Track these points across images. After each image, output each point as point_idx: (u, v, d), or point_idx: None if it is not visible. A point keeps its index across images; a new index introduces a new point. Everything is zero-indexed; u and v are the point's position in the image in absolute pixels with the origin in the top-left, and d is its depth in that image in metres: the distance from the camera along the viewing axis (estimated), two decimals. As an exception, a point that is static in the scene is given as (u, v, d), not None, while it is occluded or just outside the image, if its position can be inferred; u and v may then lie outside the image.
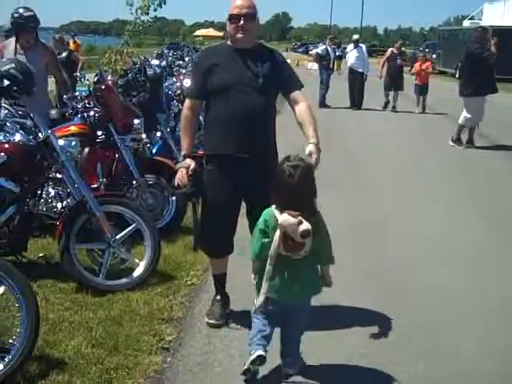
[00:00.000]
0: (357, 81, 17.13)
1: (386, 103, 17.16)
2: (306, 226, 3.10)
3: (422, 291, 4.67)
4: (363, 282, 4.82)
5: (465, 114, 11.18)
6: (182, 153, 3.94)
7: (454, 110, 11.80)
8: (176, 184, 3.86)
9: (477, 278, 4.97)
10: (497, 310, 4.38)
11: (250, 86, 3.78)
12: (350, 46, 18.01)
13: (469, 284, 4.85)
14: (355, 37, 18.85)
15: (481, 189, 8.08)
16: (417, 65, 17.39)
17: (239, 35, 3.81)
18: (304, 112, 3.86)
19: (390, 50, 18.15)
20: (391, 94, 16.99)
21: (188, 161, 3.84)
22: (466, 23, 36.55)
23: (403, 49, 19.61)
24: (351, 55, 17.51)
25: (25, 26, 6.21)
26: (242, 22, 3.77)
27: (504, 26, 29.20)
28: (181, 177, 3.80)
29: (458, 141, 11.30)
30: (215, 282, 4.25)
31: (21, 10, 6.25)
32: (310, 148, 3.66)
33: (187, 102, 4.01)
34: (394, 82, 16.71)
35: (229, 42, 3.95)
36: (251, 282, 3.45)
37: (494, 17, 32.87)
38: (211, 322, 4.05)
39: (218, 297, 4.19)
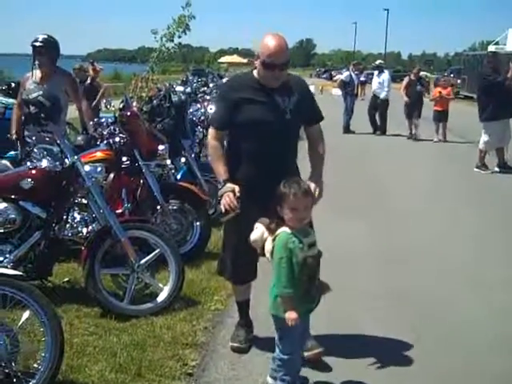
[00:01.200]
0: (379, 106, 17.21)
1: (411, 132, 16.40)
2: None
3: (446, 321, 4.62)
4: (388, 308, 4.77)
5: (483, 138, 11.22)
6: (222, 179, 3.82)
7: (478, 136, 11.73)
8: (224, 210, 3.71)
9: (504, 308, 4.89)
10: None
11: (278, 121, 3.74)
12: (375, 72, 18.04)
13: (494, 313, 4.78)
14: (378, 62, 18.92)
15: (506, 216, 7.98)
16: (436, 90, 16.75)
17: (273, 82, 3.77)
18: (319, 148, 3.95)
19: (406, 77, 17.79)
20: (414, 121, 16.35)
21: (230, 185, 3.74)
22: (491, 48, 36.35)
23: (424, 74, 19.68)
24: (374, 80, 17.62)
25: (40, 48, 6.29)
26: (277, 71, 3.72)
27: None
28: (229, 201, 3.67)
29: (483, 166, 11.24)
30: (239, 308, 4.25)
31: (39, 36, 6.36)
32: (311, 185, 3.67)
33: (213, 132, 3.97)
34: (413, 110, 16.17)
35: (255, 74, 3.87)
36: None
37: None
38: (235, 345, 4.04)
39: (242, 321, 4.19)
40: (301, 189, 3.31)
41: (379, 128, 17.32)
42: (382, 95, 17.07)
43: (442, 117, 15.75)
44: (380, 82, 17.24)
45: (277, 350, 3.46)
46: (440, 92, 16.16)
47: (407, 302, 4.94)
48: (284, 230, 3.31)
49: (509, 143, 11.26)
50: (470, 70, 33.35)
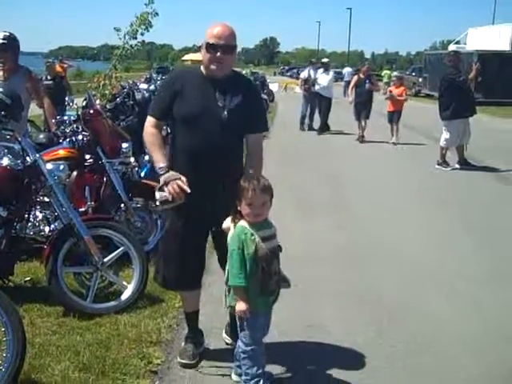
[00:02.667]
0: (322, 105, 17.13)
1: (361, 135, 15.45)
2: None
3: (412, 315, 4.70)
4: (356, 306, 4.83)
5: (444, 135, 11.44)
6: (161, 165, 3.58)
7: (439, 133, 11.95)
8: (171, 198, 3.49)
9: (470, 301, 5.02)
10: (492, 333, 4.41)
11: (214, 119, 3.58)
12: (319, 70, 17.58)
13: (462, 307, 4.90)
14: (324, 60, 18.73)
15: (468, 211, 8.14)
16: (390, 89, 15.86)
17: (213, 67, 3.59)
18: (255, 162, 3.73)
19: (355, 75, 16.94)
20: (361, 122, 15.50)
21: (174, 173, 3.53)
22: (452, 47, 36.88)
23: (387, 72, 19.47)
24: (320, 79, 17.18)
25: (2, 45, 6.19)
26: (218, 53, 3.55)
27: (488, 50, 29.65)
28: (177, 189, 3.46)
29: (444, 163, 11.46)
30: (187, 320, 4.07)
31: None
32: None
33: (151, 120, 3.74)
34: (362, 110, 15.36)
35: (202, 68, 3.71)
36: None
37: (478, 41, 33.33)
38: (184, 361, 3.83)
39: (191, 335, 4.01)
40: (259, 185, 3.32)
41: (321, 127, 17.17)
42: (326, 93, 16.95)
43: (393, 117, 15.01)
44: (325, 81, 16.99)
45: (239, 343, 3.49)
46: (391, 91, 15.45)
47: (372, 299, 4.99)
48: (241, 223, 3.36)
49: (468, 141, 11.46)
50: (431, 68, 33.83)
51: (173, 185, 3.48)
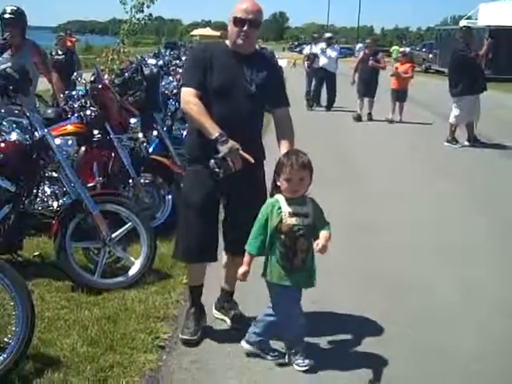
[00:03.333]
0: (329, 80, 16.71)
1: (359, 115, 14.83)
2: None
3: (420, 291, 4.72)
4: (363, 282, 4.84)
5: (454, 112, 11.35)
6: (218, 132, 3.49)
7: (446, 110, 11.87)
8: (234, 169, 3.48)
9: (476, 277, 5.02)
10: (493, 306, 4.43)
11: (243, 92, 3.67)
12: (323, 45, 17.05)
13: (466, 282, 4.90)
14: (327, 35, 18.25)
15: (477, 188, 8.14)
16: (396, 66, 15.06)
17: (240, 41, 3.67)
18: (286, 134, 3.81)
19: (361, 51, 16.28)
20: (365, 100, 14.98)
21: (231, 141, 3.48)
22: (463, 23, 36.46)
23: (395, 48, 18.70)
24: (324, 54, 16.79)
25: (10, 20, 6.19)
26: (246, 27, 3.63)
27: (500, 26, 29.31)
28: (240, 160, 3.47)
29: (453, 140, 11.38)
30: (190, 294, 4.07)
31: (7, 7, 6.24)
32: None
33: (191, 91, 3.66)
34: (366, 88, 14.75)
35: (227, 42, 3.80)
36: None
37: (490, 16, 32.93)
38: (185, 337, 3.82)
39: (193, 310, 3.99)
40: (298, 161, 3.39)
41: (329, 103, 16.92)
42: (330, 68, 16.62)
43: (398, 96, 14.42)
44: (329, 56, 16.64)
45: (265, 312, 3.62)
46: (397, 68, 14.70)
47: (380, 277, 4.98)
48: (276, 197, 3.47)
49: (478, 118, 11.38)
50: (441, 44, 33.55)
51: (236, 156, 3.47)
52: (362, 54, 15.63)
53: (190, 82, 3.75)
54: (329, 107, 16.88)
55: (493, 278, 4.99)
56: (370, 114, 14.85)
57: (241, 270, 3.51)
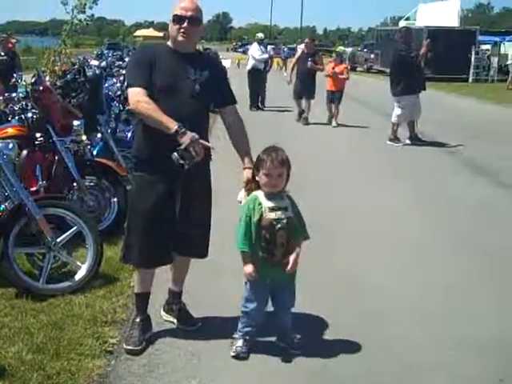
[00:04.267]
0: (261, 80, 16.75)
1: (300, 113, 14.45)
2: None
3: (368, 290, 4.80)
4: (313, 280, 4.89)
5: (396, 111, 11.57)
6: (177, 125, 3.42)
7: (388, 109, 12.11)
8: (199, 159, 3.40)
9: (423, 274, 5.13)
10: (441, 304, 4.54)
11: (187, 92, 3.64)
12: (255, 45, 17.22)
13: (415, 280, 5.01)
14: (259, 35, 18.25)
15: (419, 186, 8.30)
16: (329, 67, 14.16)
17: (180, 38, 3.65)
18: (239, 133, 3.85)
19: (299, 48, 15.63)
20: (303, 102, 14.45)
21: (189, 133, 3.41)
22: (402, 23, 37.26)
23: (341, 48, 18.51)
24: (255, 55, 16.83)
25: None
26: (185, 24, 3.62)
27: (438, 27, 30.04)
28: (202, 148, 3.41)
29: (395, 139, 11.61)
30: (137, 302, 3.98)
31: None
32: (247, 173, 3.70)
33: (139, 90, 3.57)
34: (303, 89, 14.20)
35: (169, 43, 3.78)
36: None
37: (428, 17, 33.71)
38: (129, 348, 3.73)
39: (138, 319, 3.90)
40: (278, 157, 3.52)
41: (261, 101, 17.01)
42: (259, 67, 16.70)
43: (333, 98, 13.87)
44: (261, 56, 16.73)
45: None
46: (333, 68, 13.97)
47: (328, 275, 5.05)
48: (255, 192, 3.58)
49: (419, 117, 11.65)
50: (382, 44, 34.15)
51: (198, 145, 3.40)
52: (299, 52, 14.92)
53: (136, 81, 3.67)
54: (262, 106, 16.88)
55: (441, 276, 5.12)
56: (306, 117, 14.26)
57: (246, 270, 3.57)
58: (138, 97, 3.59)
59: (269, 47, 18.43)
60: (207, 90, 3.70)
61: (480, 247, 5.79)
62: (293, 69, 14.87)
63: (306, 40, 15.33)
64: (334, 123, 13.86)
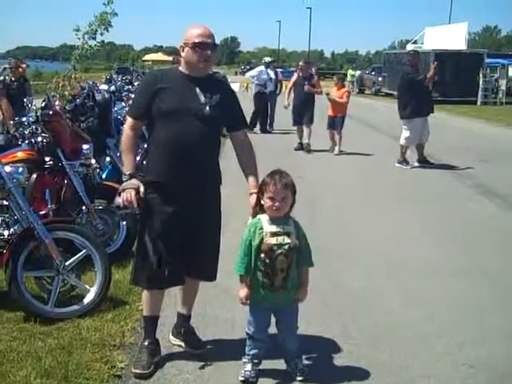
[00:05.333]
0: (269, 102, 16.83)
1: (301, 142, 13.60)
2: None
3: (378, 313, 4.77)
4: (319, 303, 4.86)
5: (404, 134, 11.56)
6: (127, 172, 3.74)
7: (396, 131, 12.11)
8: (122, 205, 3.68)
9: (433, 298, 5.11)
10: (447, 324, 4.51)
11: (196, 114, 3.67)
12: (261, 68, 17.37)
13: (425, 305, 4.97)
14: (267, 59, 18.36)
15: (428, 208, 8.28)
16: (332, 90, 13.43)
17: (202, 65, 3.70)
18: (247, 157, 3.90)
19: (294, 73, 14.51)
20: (303, 129, 13.56)
21: (135, 181, 3.67)
22: (410, 47, 37.43)
23: (351, 72, 18.16)
24: (261, 78, 17.05)
25: None
26: (208, 51, 3.68)
27: (445, 50, 30.15)
28: (129, 198, 3.61)
29: (404, 161, 11.60)
30: (146, 325, 3.97)
31: None
32: (253, 198, 3.71)
33: (129, 120, 3.87)
34: (301, 115, 13.40)
35: (181, 68, 3.81)
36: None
37: (435, 40, 33.85)
38: (138, 371, 3.70)
39: (146, 343, 3.87)
40: (281, 181, 3.51)
41: (269, 124, 17.02)
42: (269, 90, 16.79)
43: (334, 123, 13.08)
44: (264, 78, 16.84)
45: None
46: (338, 90, 13.28)
47: (336, 296, 5.03)
48: (259, 216, 3.58)
49: (427, 139, 11.64)
50: (390, 67, 34.26)
51: (127, 193, 3.63)
52: (294, 77, 13.98)
53: (130, 110, 4.01)
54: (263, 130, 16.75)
55: (446, 298, 5.08)
56: (308, 144, 13.41)
57: (241, 294, 3.58)
58: (125, 127, 3.93)
59: (278, 70, 18.40)
60: (218, 113, 3.72)
61: (493, 273, 5.74)
62: (289, 93, 14.04)
63: (301, 63, 14.27)
64: (335, 150, 13.02)
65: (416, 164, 11.60)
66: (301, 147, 13.49)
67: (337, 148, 13.07)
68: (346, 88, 13.88)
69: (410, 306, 4.90)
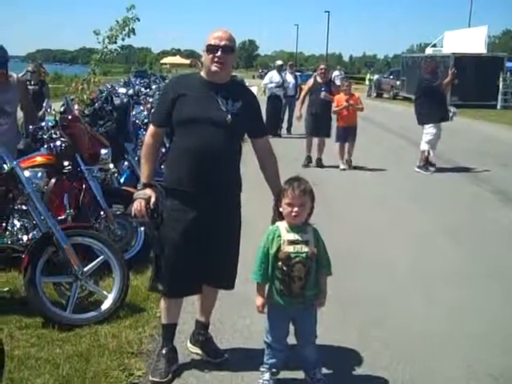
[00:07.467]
0: (280, 106, 16.84)
1: (309, 157, 11.98)
2: None
3: (398, 320, 4.70)
4: (340, 311, 4.80)
5: (426, 139, 11.57)
6: (142, 181, 3.79)
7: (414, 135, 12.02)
8: (133, 214, 3.69)
9: (451, 301, 5.03)
10: (473, 332, 4.44)
11: (218, 122, 3.61)
12: (271, 74, 17.30)
13: (444, 308, 4.90)
14: (278, 62, 18.40)
15: (449, 214, 8.19)
16: (338, 98, 11.69)
17: (214, 68, 3.62)
18: (269, 164, 3.87)
19: (311, 78, 12.75)
20: (315, 141, 11.95)
21: (148, 191, 3.69)
22: (429, 50, 37.26)
23: (338, 74, 16.95)
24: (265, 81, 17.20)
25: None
26: (219, 53, 3.60)
27: (464, 53, 29.93)
28: (139, 208, 3.63)
29: (423, 167, 11.54)
30: (164, 333, 3.93)
31: None
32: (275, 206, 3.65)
33: (150, 128, 3.87)
34: (316, 126, 11.71)
35: (202, 73, 3.75)
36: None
37: (454, 44, 33.61)
38: (155, 380, 3.68)
39: (164, 350, 3.85)
40: (299, 187, 3.46)
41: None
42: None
43: (346, 135, 11.60)
44: (277, 82, 16.81)
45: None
46: (347, 100, 11.55)
47: (356, 304, 4.97)
48: (278, 223, 3.53)
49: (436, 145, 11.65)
50: (408, 71, 34.07)
51: (137, 203, 3.66)
52: (311, 82, 12.25)
53: (153, 117, 4.03)
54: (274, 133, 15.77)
55: (469, 304, 5.00)
56: (319, 159, 11.94)
57: (258, 302, 3.54)
58: (147, 135, 3.91)
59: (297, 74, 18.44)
60: (239, 120, 3.67)
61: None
62: (303, 101, 12.30)
63: (321, 66, 12.34)
64: (342, 165, 11.66)
65: (432, 169, 11.54)
66: (309, 162, 11.90)
67: (344, 163, 11.69)
68: (355, 94, 12.13)
69: (432, 313, 4.82)
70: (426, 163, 11.59)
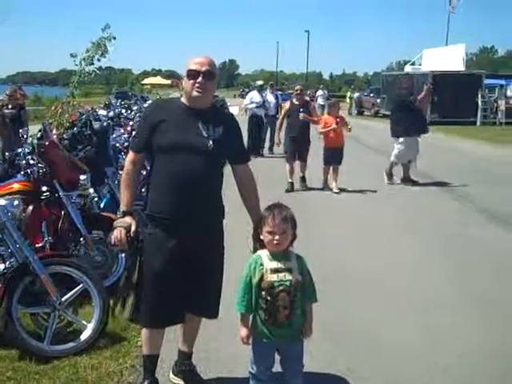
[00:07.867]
0: (259, 126, 17.15)
1: (291, 183, 11.35)
2: None
3: (386, 346, 4.64)
4: (327, 338, 4.73)
5: (395, 151, 12.05)
6: (122, 209, 3.73)
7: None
8: (112, 242, 3.64)
9: (440, 330, 4.96)
10: (463, 363, 4.37)
11: (198, 148, 3.54)
12: (252, 94, 17.54)
13: (431, 336, 4.84)
14: (259, 82, 18.85)
15: (431, 234, 8.17)
16: (326, 119, 11.46)
17: (195, 93, 3.57)
18: (248, 191, 3.83)
19: (288, 101, 12.23)
20: (296, 164, 11.50)
21: (128, 219, 3.65)
22: (408, 68, 37.58)
23: (321, 93, 17.16)
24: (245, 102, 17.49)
25: None
26: (200, 78, 3.54)
27: (442, 71, 30.23)
28: (119, 237, 3.59)
29: (390, 175, 12.11)
30: (145, 364, 3.84)
31: None
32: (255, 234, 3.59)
33: (130, 154, 3.82)
34: (297, 148, 11.33)
35: (183, 99, 3.71)
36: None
37: (433, 62, 33.95)
38: None
39: (146, 383, 3.78)
40: (280, 214, 3.37)
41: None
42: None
43: (332, 157, 11.26)
44: (257, 102, 17.11)
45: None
46: (337, 122, 11.16)
47: (344, 331, 4.89)
48: (259, 252, 3.44)
49: (415, 159, 12.01)
50: (388, 89, 34.29)
51: (117, 232, 3.62)
52: (287, 105, 11.85)
53: (133, 143, 3.96)
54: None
55: (455, 334, 4.94)
56: (303, 177, 11.64)
57: (242, 333, 3.42)
58: (126, 161, 3.88)
59: (278, 94, 18.65)
60: (221, 146, 3.60)
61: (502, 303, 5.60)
62: (281, 126, 12.06)
63: (297, 87, 12.04)
64: (334, 187, 11.25)
65: (398, 181, 12.03)
66: (292, 188, 11.30)
67: (334, 184, 11.27)
68: (340, 115, 11.64)
69: (420, 337, 4.76)
70: (390, 174, 12.10)
